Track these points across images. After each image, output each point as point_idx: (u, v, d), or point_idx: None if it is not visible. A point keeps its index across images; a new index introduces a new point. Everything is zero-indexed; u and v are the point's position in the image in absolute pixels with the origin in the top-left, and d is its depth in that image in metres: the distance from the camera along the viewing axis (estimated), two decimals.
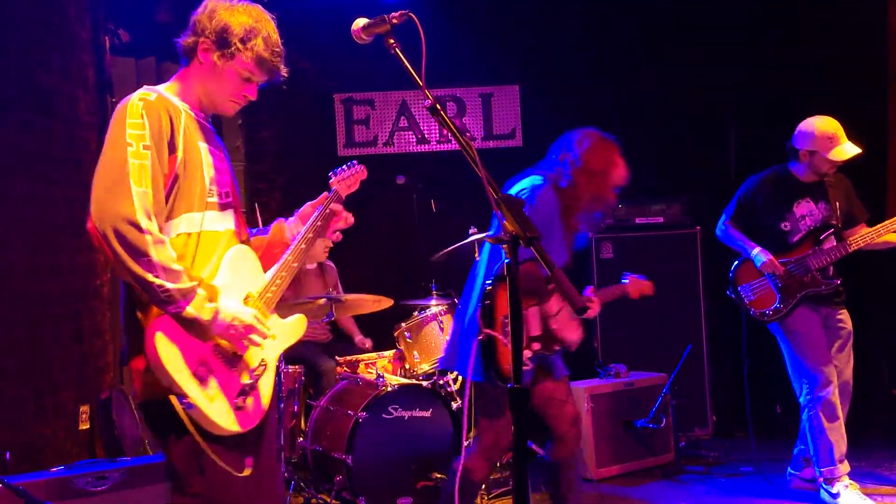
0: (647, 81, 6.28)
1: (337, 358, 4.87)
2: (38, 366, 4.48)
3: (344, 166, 2.89)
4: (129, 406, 4.77)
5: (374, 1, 5.47)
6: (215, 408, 2.18)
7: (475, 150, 2.02)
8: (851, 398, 4.30)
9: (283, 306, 4.64)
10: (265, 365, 2.37)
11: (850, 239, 4.15)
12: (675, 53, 6.30)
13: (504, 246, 1.90)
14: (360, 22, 2.22)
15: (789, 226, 4.24)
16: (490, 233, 4.81)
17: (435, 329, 4.77)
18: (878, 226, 4.14)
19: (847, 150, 4.10)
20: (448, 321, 4.79)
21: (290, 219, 2.70)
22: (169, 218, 2.25)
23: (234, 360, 2.29)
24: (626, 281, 3.58)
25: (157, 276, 2.11)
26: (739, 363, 5.80)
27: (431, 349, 4.76)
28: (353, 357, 4.85)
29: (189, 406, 2.13)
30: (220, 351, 2.25)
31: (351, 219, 2.76)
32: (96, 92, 5.20)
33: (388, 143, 6.46)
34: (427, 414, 4.34)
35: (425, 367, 4.74)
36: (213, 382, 2.20)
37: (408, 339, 4.81)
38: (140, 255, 2.10)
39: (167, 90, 2.36)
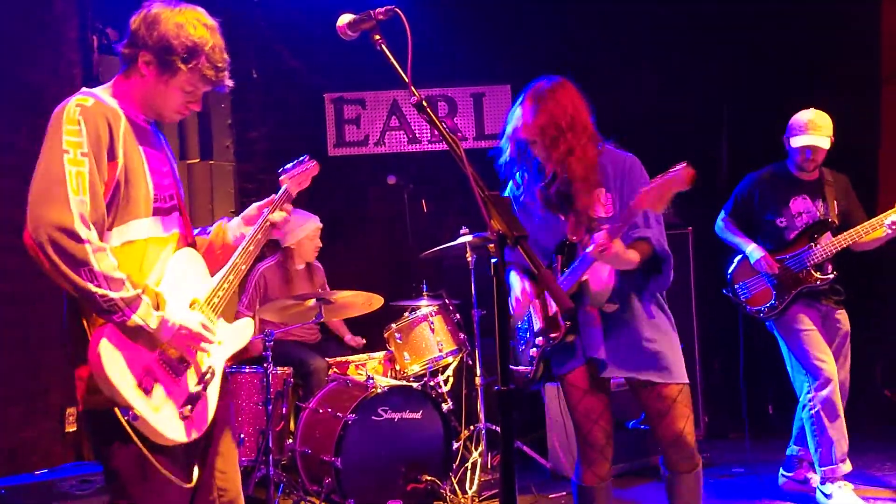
0: (640, 83, 6.27)
1: (327, 359, 4.83)
2: (25, 367, 4.44)
3: (295, 162, 2.76)
4: None
5: (367, 0, 5.45)
6: (160, 418, 2.14)
7: (462, 148, 2.00)
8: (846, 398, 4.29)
9: (274, 307, 4.66)
10: (212, 372, 2.33)
11: (838, 237, 4.11)
12: (668, 55, 6.30)
13: (490, 245, 1.87)
14: (346, 18, 2.19)
15: (785, 222, 4.24)
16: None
17: (426, 330, 4.74)
18: (865, 223, 4.10)
19: (802, 139, 4.15)
20: (439, 321, 4.76)
21: (234, 219, 2.62)
22: (113, 226, 2.20)
23: (179, 368, 2.25)
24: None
25: (99, 286, 2.06)
26: (731, 364, 5.79)
27: (422, 350, 4.73)
28: (344, 358, 4.82)
29: (134, 417, 2.10)
30: (166, 359, 2.22)
31: (288, 216, 2.63)
32: None
33: (379, 142, 6.43)
34: (417, 416, 4.31)
35: (416, 368, 4.71)
36: (158, 392, 2.16)
37: (398, 341, 4.77)
38: (80, 264, 2.05)
39: (105, 93, 2.29)
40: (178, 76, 2.28)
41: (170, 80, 2.29)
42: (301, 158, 2.78)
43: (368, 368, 4.66)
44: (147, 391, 2.14)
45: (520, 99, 3.01)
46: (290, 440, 4.46)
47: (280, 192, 2.66)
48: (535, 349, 2.99)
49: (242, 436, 4.27)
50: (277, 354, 4.38)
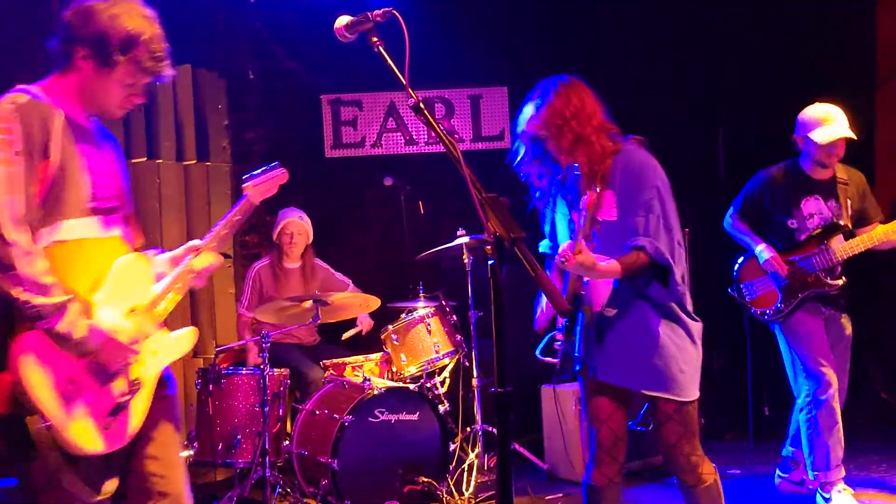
0: (636, 84, 6.28)
1: (323, 363, 4.83)
2: None
3: (262, 168, 2.67)
4: None
5: (364, 1, 5.45)
6: (79, 428, 2.10)
7: (459, 150, 2.00)
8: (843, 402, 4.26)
9: (269, 308, 4.65)
10: (141, 383, 2.28)
11: (851, 242, 4.00)
12: (663, 57, 6.31)
13: (487, 247, 1.87)
14: (344, 20, 2.19)
15: (796, 223, 4.10)
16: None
17: (422, 331, 4.74)
18: (879, 230, 3.98)
19: (828, 132, 3.94)
20: (435, 323, 4.75)
21: (162, 255, 2.53)
22: (44, 225, 2.14)
23: (106, 377, 2.19)
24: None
25: (25, 291, 2.02)
26: (726, 366, 5.79)
27: (419, 351, 4.73)
28: (340, 360, 4.82)
29: (49, 427, 2.05)
30: (93, 367, 2.16)
31: (213, 265, 2.46)
32: None
33: (376, 144, 6.43)
34: (414, 417, 4.30)
35: (412, 369, 4.71)
36: (80, 402, 2.12)
37: (395, 342, 4.77)
38: (5, 268, 2.01)
39: (42, 91, 2.23)
40: (117, 69, 2.23)
41: (109, 74, 2.23)
42: (271, 164, 2.68)
43: (365, 370, 4.66)
44: (68, 400, 2.09)
45: (528, 97, 3.00)
46: (287, 442, 4.46)
47: (240, 200, 2.58)
48: (557, 343, 2.98)
49: (239, 437, 4.26)
50: (274, 357, 4.38)
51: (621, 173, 2.87)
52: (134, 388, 2.25)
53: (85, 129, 2.28)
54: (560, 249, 2.70)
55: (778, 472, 4.48)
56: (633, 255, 2.79)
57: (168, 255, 2.51)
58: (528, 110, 2.95)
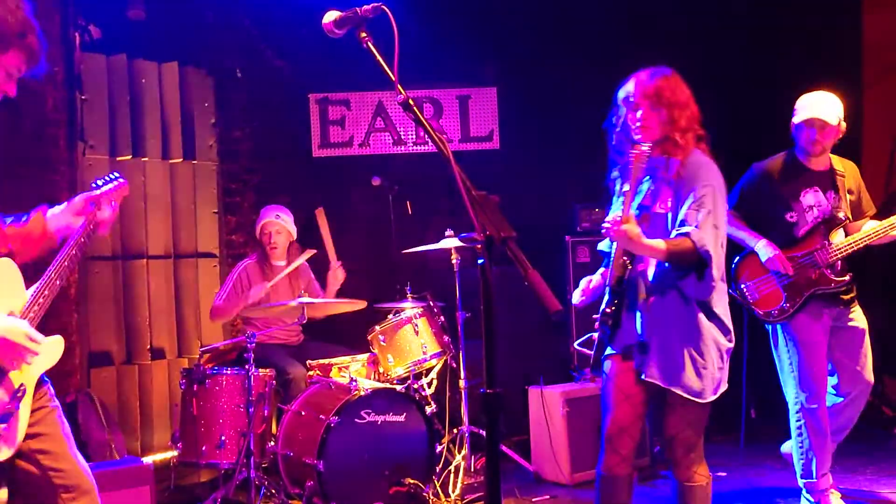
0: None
1: (309, 362, 4.79)
2: None
3: (106, 177, 2.69)
4: (95, 409, 4.68)
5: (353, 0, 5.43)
6: None
7: (449, 148, 1.98)
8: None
9: (258, 310, 4.62)
10: (24, 389, 2.20)
11: (852, 238, 3.91)
12: (654, 61, 6.30)
13: (478, 246, 1.85)
14: (332, 15, 2.17)
15: (795, 217, 3.94)
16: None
17: (410, 332, 4.71)
18: (885, 223, 3.90)
19: (803, 113, 3.91)
20: (423, 324, 4.73)
21: (56, 207, 2.50)
22: None
23: None
24: None
25: None
26: None
27: (406, 352, 4.70)
28: (327, 361, 4.78)
29: None
30: None
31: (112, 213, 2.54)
32: (65, 89, 5.09)
33: (364, 144, 6.40)
34: (401, 418, 4.28)
35: (399, 370, 4.69)
36: None
37: (382, 343, 4.74)
38: None
39: None
40: (9, 54, 2.26)
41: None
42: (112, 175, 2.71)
43: (351, 371, 4.62)
44: None
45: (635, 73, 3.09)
46: (272, 443, 4.42)
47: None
48: (596, 334, 3.02)
49: (224, 438, 4.22)
50: (258, 358, 4.34)
51: (681, 168, 2.94)
52: (18, 394, 2.16)
53: None
54: (607, 218, 2.76)
55: (783, 448, 4.32)
56: (678, 239, 2.83)
57: (62, 206, 2.51)
58: (635, 80, 3.08)
